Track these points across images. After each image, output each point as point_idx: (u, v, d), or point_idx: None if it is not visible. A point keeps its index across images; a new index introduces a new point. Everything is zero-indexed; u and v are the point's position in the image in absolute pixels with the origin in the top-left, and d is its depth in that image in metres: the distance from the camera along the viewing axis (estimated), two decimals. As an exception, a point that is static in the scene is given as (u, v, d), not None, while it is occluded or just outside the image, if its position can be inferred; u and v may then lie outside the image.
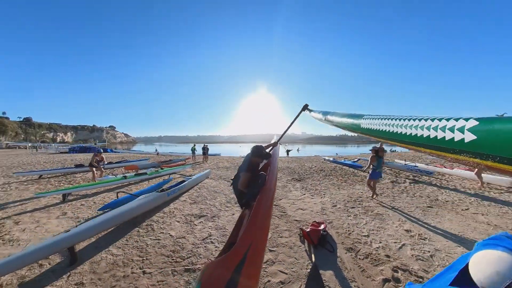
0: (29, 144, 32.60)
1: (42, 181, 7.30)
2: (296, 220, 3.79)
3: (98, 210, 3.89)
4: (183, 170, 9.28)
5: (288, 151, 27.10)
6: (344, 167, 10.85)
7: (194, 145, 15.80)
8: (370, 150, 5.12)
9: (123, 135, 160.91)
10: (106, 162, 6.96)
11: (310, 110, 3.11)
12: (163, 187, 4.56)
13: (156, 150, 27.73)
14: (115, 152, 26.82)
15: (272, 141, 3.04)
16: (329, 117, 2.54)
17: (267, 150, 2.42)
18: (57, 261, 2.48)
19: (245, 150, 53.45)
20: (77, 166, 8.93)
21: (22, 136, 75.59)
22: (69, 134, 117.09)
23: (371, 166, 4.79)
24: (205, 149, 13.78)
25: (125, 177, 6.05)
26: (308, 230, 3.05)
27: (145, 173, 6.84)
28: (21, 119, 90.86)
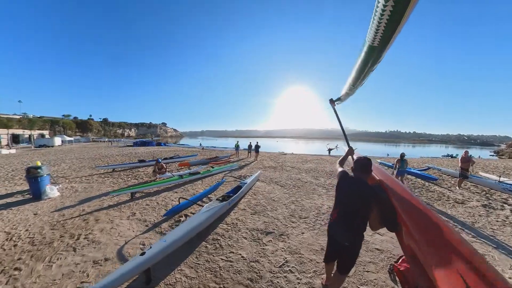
0: (106, 139, 41.58)
1: (114, 174, 8.35)
2: (378, 249, 2.94)
3: (163, 215, 3.97)
4: (231, 169, 9.24)
5: (330, 150, 24.79)
6: (410, 176, 8.40)
7: (238, 142, 16.01)
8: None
9: (172, 130, 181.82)
10: (166, 171, 7.29)
11: (338, 100, 2.36)
12: (224, 196, 4.30)
13: (200, 145, 29.86)
14: (167, 145, 30.26)
15: (346, 149, 2.35)
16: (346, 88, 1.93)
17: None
18: (130, 281, 2.35)
19: (282, 145, 52.72)
20: (140, 161, 10.13)
21: (102, 132, 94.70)
22: (132, 130, 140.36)
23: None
24: (256, 147, 13.61)
25: (181, 177, 6.31)
26: (402, 269, 2.15)
27: (199, 172, 7.01)
28: (101, 120, 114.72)
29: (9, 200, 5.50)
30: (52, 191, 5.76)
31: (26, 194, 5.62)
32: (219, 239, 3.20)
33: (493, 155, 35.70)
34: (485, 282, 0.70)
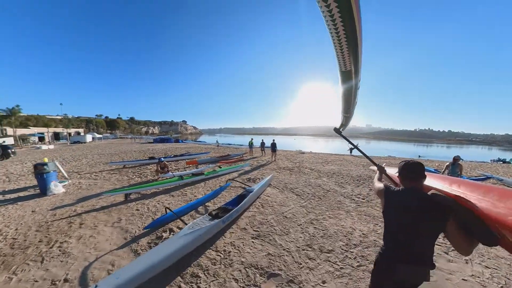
0: (129, 136, 44.47)
1: (123, 171, 8.17)
2: None
3: (144, 228, 3.28)
4: (241, 169, 8.43)
5: (351, 149, 22.20)
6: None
7: (252, 139, 15.15)
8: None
9: (192, 127, 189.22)
10: (168, 170, 6.83)
11: (341, 127, 2.32)
12: (218, 210, 3.47)
13: (216, 142, 29.86)
14: (184, 142, 30.86)
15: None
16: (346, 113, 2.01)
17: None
18: None
19: (300, 143, 50.52)
20: (150, 158, 9.94)
21: (129, 130, 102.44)
22: (156, 127, 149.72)
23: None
24: (273, 146, 11.87)
25: (181, 178, 5.61)
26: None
27: (202, 173, 6.28)
28: (128, 118, 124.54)
29: (21, 194, 5.65)
30: (56, 187, 5.64)
31: (38, 189, 5.71)
32: (199, 276, 2.33)
33: None
34: None
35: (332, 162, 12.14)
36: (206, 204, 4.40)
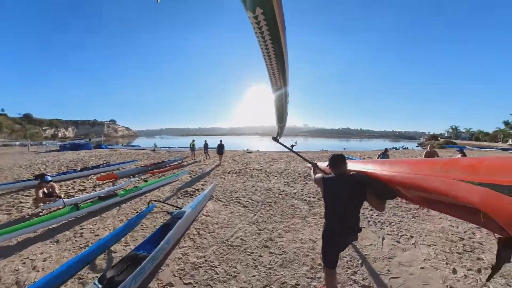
0: (17, 143, 29.44)
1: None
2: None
3: None
4: (177, 179, 6.87)
5: (292, 146, 24.28)
6: None
7: (193, 140, 13.33)
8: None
9: (124, 128, 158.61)
10: (59, 193, 4.45)
11: (278, 135, 2.81)
12: (119, 268, 2.04)
13: (155, 145, 25.52)
14: (109, 147, 24.56)
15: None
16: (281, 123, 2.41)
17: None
18: None
19: (247, 142, 51.26)
20: (37, 177, 6.56)
21: (22, 133, 73.09)
22: (70, 129, 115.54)
23: None
24: (220, 148, 10.73)
25: (77, 207, 3.62)
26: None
27: (115, 194, 4.39)
28: (21, 116, 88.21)
29: None
30: None
31: None
32: None
33: (418, 146, 43.04)
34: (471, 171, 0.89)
35: (278, 160, 12.28)
36: (112, 248, 2.84)
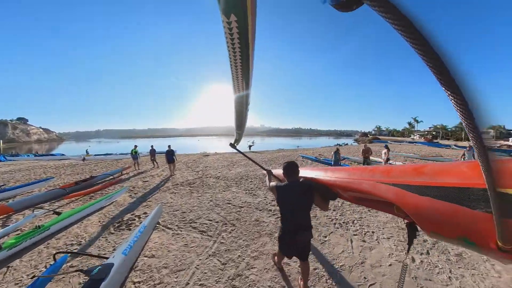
0: None
1: None
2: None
3: None
4: (110, 203, 5.23)
5: (250, 146, 24.64)
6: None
7: (136, 147, 10.50)
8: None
9: (41, 130, 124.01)
10: None
11: (235, 142, 2.69)
12: None
13: (86, 152, 20.30)
14: (10, 159, 17.24)
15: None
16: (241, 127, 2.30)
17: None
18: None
19: (204, 144, 48.68)
20: None
21: None
22: None
23: None
24: (169, 154, 8.66)
25: None
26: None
27: None
28: None
29: None
30: None
31: None
32: None
33: (354, 142, 52.80)
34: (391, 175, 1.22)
35: (237, 163, 11.75)
36: None
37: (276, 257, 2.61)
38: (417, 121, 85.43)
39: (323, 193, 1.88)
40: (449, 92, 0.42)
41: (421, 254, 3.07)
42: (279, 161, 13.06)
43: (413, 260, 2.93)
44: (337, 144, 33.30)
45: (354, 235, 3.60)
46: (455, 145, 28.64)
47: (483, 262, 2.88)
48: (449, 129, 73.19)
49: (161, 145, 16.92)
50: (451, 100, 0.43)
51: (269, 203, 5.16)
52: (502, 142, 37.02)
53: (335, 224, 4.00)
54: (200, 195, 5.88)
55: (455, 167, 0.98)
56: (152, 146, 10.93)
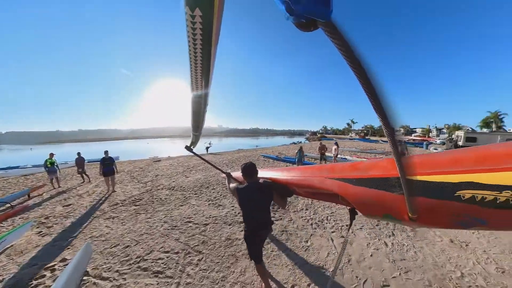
0: None
1: None
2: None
3: None
4: (3, 249, 3.27)
5: (208, 148, 23.27)
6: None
7: (52, 155, 7.60)
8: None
9: None
10: None
11: (192, 144, 2.64)
12: None
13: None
14: None
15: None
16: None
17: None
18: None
19: (155, 147, 42.86)
20: None
21: None
22: None
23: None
24: (106, 163, 6.59)
25: None
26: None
27: None
28: None
29: None
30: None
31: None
32: None
33: (306, 140, 58.41)
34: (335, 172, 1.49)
35: (195, 168, 10.60)
36: None
37: (261, 281, 2.34)
38: (353, 122, 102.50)
39: (281, 191, 2.00)
40: (371, 101, 0.56)
41: (389, 236, 3.57)
42: (240, 162, 12.59)
43: (386, 244, 3.34)
44: (299, 142, 35.88)
45: (332, 232, 3.76)
46: (381, 140, 37.90)
47: (428, 231, 3.68)
48: (375, 128, 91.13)
49: (96, 151, 13.76)
50: (373, 107, 0.58)
51: (239, 213, 4.56)
52: (409, 137, 50.09)
53: (312, 224, 4.03)
54: (150, 215, 4.69)
55: (380, 163, 1.26)
56: (79, 154, 8.41)
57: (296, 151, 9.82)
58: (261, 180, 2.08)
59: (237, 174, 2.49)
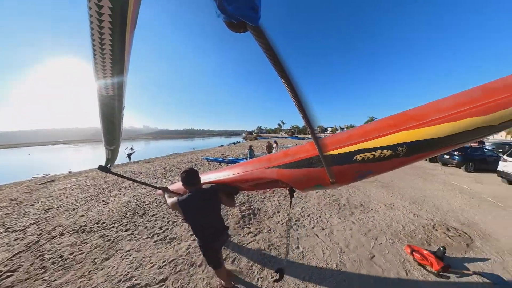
0: None
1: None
2: None
3: None
4: None
5: (129, 155, 18.89)
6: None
7: None
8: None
9: None
10: None
11: (107, 162, 2.13)
12: None
13: None
14: None
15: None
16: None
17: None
18: None
19: (45, 159, 29.27)
20: None
21: None
22: None
23: None
24: None
25: None
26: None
27: None
28: None
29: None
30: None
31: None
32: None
33: (243, 140, 61.02)
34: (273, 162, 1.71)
35: (117, 185, 7.70)
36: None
37: (220, 281, 2.38)
38: (283, 123, 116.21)
39: (227, 191, 2.02)
40: (294, 101, 0.68)
41: (351, 215, 4.47)
42: (179, 169, 10.57)
43: (354, 223, 4.14)
44: (238, 142, 35.78)
45: (313, 227, 3.95)
46: (307, 137, 45.52)
47: (370, 203, 5.02)
48: (300, 128, 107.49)
49: None
50: (298, 110, 0.71)
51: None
52: (323, 134, 65.75)
53: (291, 227, 4.00)
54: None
55: (303, 147, 1.61)
56: None
57: (247, 150, 10.71)
58: (204, 186, 1.98)
59: (176, 185, 2.40)
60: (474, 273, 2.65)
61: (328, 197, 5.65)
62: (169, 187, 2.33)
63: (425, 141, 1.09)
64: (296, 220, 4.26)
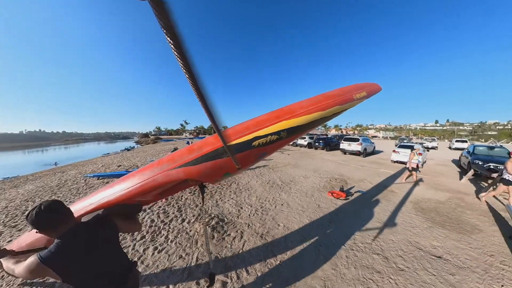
0: None
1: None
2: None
3: None
4: None
5: None
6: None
7: None
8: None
9: None
10: None
11: None
12: None
13: None
14: None
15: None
16: None
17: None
18: None
19: None
20: None
21: None
22: None
23: None
24: None
25: None
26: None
27: None
28: None
29: None
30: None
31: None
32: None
33: (136, 144, 43.07)
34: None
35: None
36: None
37: None
38: (187, 123, 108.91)
39: (124, 213, 1.48)
40: (202, 106, 0.68)
41: (290, 189, 5.93)
42: (31, 205, 5.26)
43: (296, 193, 5.50)
44: (132, 147, 28.80)
45: (275, 207, 4.57)
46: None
47: (294, 178, 7.08)
48: (206, 128, 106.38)
49: None
50: (204, 111, 0.70)
51: None
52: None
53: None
54: None
55: (208, 140, 1.58)
56: None
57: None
58: (84, 219, 1.34)
59: (27, 238, 1.58)
60: (355, 192, 5.43)
61: (268, 183, 6.54)
62: (8, 247, 1.56)
63: (297, 127, 1.55)
64: (260, 207, 4.54)
